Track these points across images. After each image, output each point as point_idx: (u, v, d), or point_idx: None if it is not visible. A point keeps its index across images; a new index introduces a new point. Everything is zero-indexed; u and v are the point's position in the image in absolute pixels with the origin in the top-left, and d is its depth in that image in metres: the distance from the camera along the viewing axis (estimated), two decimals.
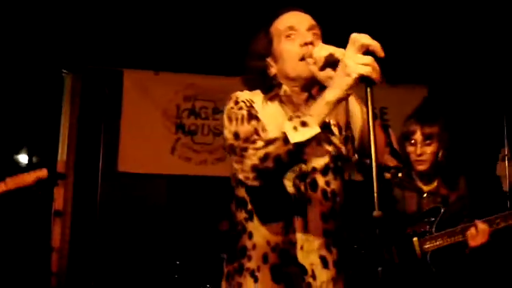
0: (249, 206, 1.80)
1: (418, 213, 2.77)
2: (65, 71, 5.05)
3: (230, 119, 1.76)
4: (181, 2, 4.43)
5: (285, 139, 1.54)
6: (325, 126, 1.74)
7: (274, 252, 1.74)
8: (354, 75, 1.44)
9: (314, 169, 1.80)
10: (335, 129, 1.88)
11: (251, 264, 1.76)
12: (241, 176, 1.64)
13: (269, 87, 1.86)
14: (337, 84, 1.51)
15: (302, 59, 1.75)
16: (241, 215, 1.82)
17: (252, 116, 1.75)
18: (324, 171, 1.81)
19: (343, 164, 1.86)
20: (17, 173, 3.41)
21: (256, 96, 1.86)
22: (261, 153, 1.58)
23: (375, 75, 1.42)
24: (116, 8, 4.48)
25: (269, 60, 1.88)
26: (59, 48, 4.85)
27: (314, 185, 1.79)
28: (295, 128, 1.54)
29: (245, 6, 4.45)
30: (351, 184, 1.89)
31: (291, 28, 1.82)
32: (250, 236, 1.78)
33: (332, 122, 1.88)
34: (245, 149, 1.63)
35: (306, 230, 1.75)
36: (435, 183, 2.81)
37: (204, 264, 4.61)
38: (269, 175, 1.62)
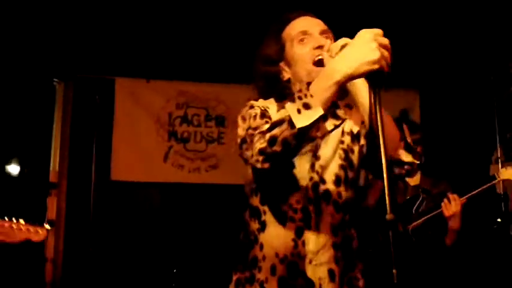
0: (263, 217, 1.80)
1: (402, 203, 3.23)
2: (56, 79, 5.04)
3: (244, 119, 1.75)
4: (173, 10, 4.43)
5: (290, 122, 1.49)
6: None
7: (283, 264, 1.74)
8: (372, 56, 1.35)
9: (324, 180, 1.78)
10: (347, 137, 1.85)
11: (261, 276, 1.77)
12: (252, 161, 1.59)
13: (282, 94, 1.84)
14: (348, 62, 1.40)
15: (315, 62, 1.75)
16: (255, 225, 1.82)
17: (265, 115, 1.73)
18: (337, 181, 1.80)
19: (357, 171, 1.84)
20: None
21: (271, 105, 1.84)
22: (268, 136, 1.53)
23: (387, 63, 1.37)
24: (107, 16, 4.47)
25: (282, 65, 1.88)
26: (50, 57, 4.84)
27: (327, 196, 1.78)
28: (298, 111, 1.48)
29: (236, 14, 4.46)
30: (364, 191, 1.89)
31: (304, 32, 1.82)
32: (262, 247, 1.78)
33: (346, 130, 1.85)
34: (253, 135, 1.61)
35: (316, 243, 1.74)
36: (418, 178, 3.31)
37: (200, 272, 4.61)
38: (278, 158, 1.55)
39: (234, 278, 1.85)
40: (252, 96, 1.90)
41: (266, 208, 1.80)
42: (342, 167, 1.81)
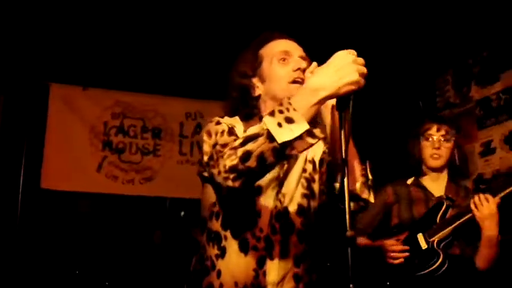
0: (223, 243, 1.73)
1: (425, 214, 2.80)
2: None
3: (210, 134, 1.69)
4: (112, 18, 4.37)
5: (269, 136, 1.42)
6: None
7: None
8: (354, 77, 1.39)
9: (288, 210, 1.76)
10: (309, 165, 1.86)
11: None
12: (219, 179, 1.49)
13: (249, 113, 1.84)
14: (333, 81, 1.41)
15: (294, 81, 1.77)
16: (213, 251, 1.75)
17: (233, 133, 1.69)
18: (300, 211, 1.78)
19: (319, 200, 1.83)
20: None
21: (237, 124, 1.82)
22: (241, 151, 1.45)
23: (363, 81, 1.42)
24: (44, 18, 4.35)
25: (255, 80, 1.87)
26: None
27: (290, 226, 1.75)
28: (279, 125, 1.42)
29: (176, 25, 4.47)
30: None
31: (286, 53, 1.83)
32: (219, 274, 1.71)
33: (309, 157, 1.86)
34: (222, 152, 1.52)
35: (277, 274, 1.70)
36: (443, 187, 2.87)
37: (131, 284, 4.54)
38: (251, 175, 1.48)
39: None
40: (214, 112, 1.89)
41: (228, 234, 1.74)
42: (304, 195, 1.80)
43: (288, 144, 1.42)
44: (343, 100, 1.43)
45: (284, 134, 1.41)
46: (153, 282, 4.62)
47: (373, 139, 5.30)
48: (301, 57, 1.83)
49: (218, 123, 1.74)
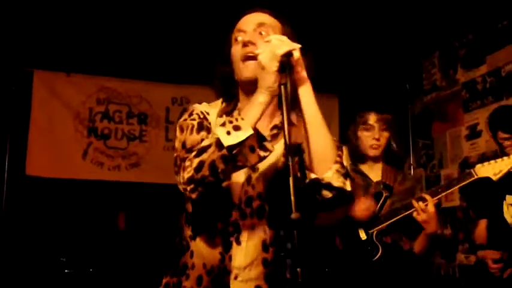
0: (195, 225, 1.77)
1: None
2: None
3: (182, 130, 1.72)
4: (96, 3, 4.33)
5: (218, 144, 1.51)
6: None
7: (209, 276, 1.70)
8: (273, 68, 1.51)
9: (260, 195, 1.71)
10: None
11: (187, 284, 1.72)
12: (180, 188, 1.59)
13: (232, 94, 1.83)
14: (263, 85, 1.55)
15: (245, 58, 1.71)
16: (188, 232, 1.78)
17: (202, 127, 1.71)
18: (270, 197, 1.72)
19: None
20: None
21: (213, 109, 1.82)
22: (195, 163, 1.53)
23: (286, 47, 1.51)
24: (27, 5, 4.30)
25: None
26: None
27: (260, 211, 1.71)
28: (228, 133, 1.51)
29: (158, 11, 4.42)
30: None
31: (239, 30, 1.78)
32: (192, 255, 1.74)
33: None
34: (184, 160, 1.59)
35: (243, 258, 1.68)
36: (380, 172, 2.88)
37: (117, 272, 4.54)
38: (206, 185, 1.55)
39: (164, 281, 1.81)
40: (200, 97, 1.87)
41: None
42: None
43: (235, 149, 1.50)
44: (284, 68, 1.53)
45: (230, 140, 1.50)
46: (137, 269, 4.61)
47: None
48: (258, 26, 1.76)
49: (191, 114, 1.76)
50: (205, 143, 1.56)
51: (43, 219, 4.76)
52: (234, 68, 1.79)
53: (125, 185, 5.05)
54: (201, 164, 1.53)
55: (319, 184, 1.66)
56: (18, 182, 4.73)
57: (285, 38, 1.59)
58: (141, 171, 5.14)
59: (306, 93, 1.65)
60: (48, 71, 5.00)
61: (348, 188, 1.68)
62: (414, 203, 2.59)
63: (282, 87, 1.51)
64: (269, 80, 1.53)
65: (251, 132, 1.52)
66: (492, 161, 2.51)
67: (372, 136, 2.84)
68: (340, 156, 1.69)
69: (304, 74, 1.63)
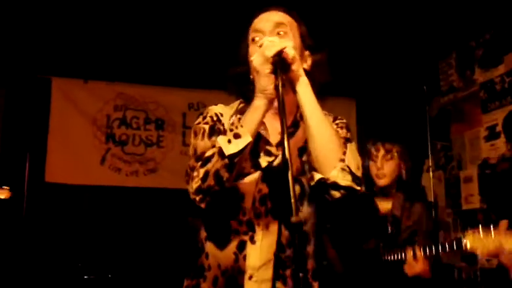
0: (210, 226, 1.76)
1: None
2: None
3: (195, 134, 1.72)
4: (111, 10, 4.36)
5: (221, 153, 1.52)
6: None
7: (223, 276, 1.67)
8: (266, 71, 1.51)
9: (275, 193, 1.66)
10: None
11: (205, 285, 1.70)
12: (191, 197, 1.59)
13: (248, 96, 1.74)
14: (258, 88, 1.55)
15: None
16: (203, 233, 1.76)
17: (214, 132, 1.68)
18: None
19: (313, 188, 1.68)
20: None
21: (230, 110, 1.80)
22: (201, 173, 1.54)
23: (276, 48, 1.49)
24: (44, 13, 4.35)
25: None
26: None
27: (275, 211, 1.65)
28: (229, 141, 1.53)
29: (174, 17, 4.44)
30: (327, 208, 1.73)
31: (256, 31, 1.74)
32: (207, 256, 1.72)
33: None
34: (193, 169, 1.58)
35: (258, 258, 1.64)
36: (390, 205, 2.87)
37: (136, 277, 4.55)
38: (213, 195, 1.55)
39: (185, 284, 1.78)
40: (216, 102, 1.85)
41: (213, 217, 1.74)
42: (297, 180, 1.67)
43: (236, 157, 1.52)
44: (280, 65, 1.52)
45: (230, 149, 1.52)
46: (155, 275, 4.63)
47: (378, 124, 5.29)
48: (275, 26, 1.71)
49: (204, 117, 1.75)
50: (209, 153, 1.57)
51: (63, 225, 4.80)
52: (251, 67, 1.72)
53: (143, 190, 5.07)
54: (206, 174, 1.54)
55: (326, 184, 1.59)
56: (38, 189, 4.79)
57: (276, 39, 1.58)
58: (158, 176, 5.16)
59: (304, 91, 1.60)
60: (65, 78, 5.06)
61: (357, 187, 1.60)
62: (408, 253, 2.62)
63: (280, 88, 1.46)
64: (263, 83, 1.53)
65: (250, 139, 1.53)
66: (484, 235, 2.37)
67: (375, 166, 2.89)
68: (345, 154, 1.60)
69: (301, 71, 1.59)
